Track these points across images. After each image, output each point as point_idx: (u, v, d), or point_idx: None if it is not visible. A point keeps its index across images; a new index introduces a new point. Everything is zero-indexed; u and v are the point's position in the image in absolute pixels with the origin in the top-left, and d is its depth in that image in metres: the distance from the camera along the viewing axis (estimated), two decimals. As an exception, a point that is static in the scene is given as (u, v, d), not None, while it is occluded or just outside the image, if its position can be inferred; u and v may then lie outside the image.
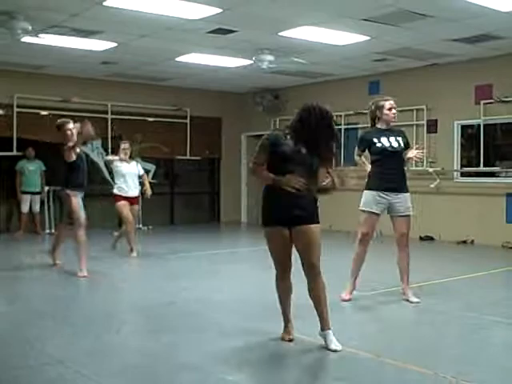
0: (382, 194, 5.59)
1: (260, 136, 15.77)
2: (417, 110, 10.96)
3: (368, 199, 5.65)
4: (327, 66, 10.94)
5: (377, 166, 5.67)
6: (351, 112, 11.98)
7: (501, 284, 7.13)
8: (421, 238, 10.47)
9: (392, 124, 5.78)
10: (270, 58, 9.62)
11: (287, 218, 4.09)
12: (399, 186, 5.62)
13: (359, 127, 11.93)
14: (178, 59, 10.35)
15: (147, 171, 12.65)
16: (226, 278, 7.14)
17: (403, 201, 5.65)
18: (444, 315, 5.24)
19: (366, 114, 11.93)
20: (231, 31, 8.46)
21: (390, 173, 5.59)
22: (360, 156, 5.89)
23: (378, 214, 5.62)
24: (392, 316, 5.31)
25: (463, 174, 10.62)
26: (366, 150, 5.79)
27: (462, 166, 10.64)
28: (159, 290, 6.29)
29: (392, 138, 5.63)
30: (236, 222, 14.02)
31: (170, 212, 13.39)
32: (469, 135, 10.66)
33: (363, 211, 5.66)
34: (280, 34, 8.55)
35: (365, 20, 7.81)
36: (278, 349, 4.15)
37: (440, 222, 10.43)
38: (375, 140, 5.61)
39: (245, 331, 4.60)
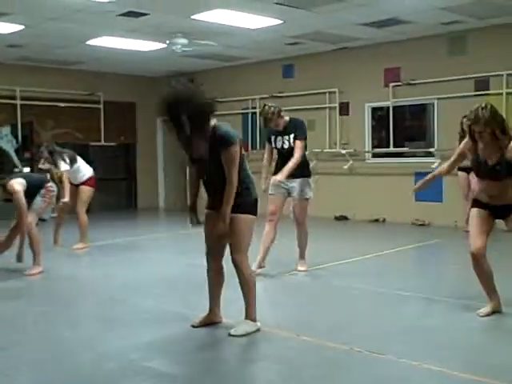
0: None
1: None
2: (329, 92, 11.19)
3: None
4: (241, 50, 10.98)
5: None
6: (266, 95, 12.08)
7: (411, 260, 7.46)
8: (336, 218, 10.76)
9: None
10: (184, 41, 9.55)
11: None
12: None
13: (274, 110, 12.06)
14: (88, 42, 10.08)
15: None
16: (146, 264, 7.09)
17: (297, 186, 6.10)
18: (358, 292, 5.43)
19: (280, 97, 12.22)
20: (143, 14, 8.32)
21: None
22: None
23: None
24: (308, 294, 5.45)
25: (374, 155, 10.96)
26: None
27: (373, 147, 10.97)
28: (76, 278, 6.18)
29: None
30: (153, 207, 13.90)
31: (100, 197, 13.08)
32: (379, 117, 11.00)
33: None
34: (193, 17, 8.49)
35: (277, 4, 7.88)
36: (200, 334, 4.18)
37: (353, 202, 10.75)
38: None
39: (167, 317, 4.61)
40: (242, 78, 12.48)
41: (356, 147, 10.91)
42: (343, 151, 10.85)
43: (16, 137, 11.92)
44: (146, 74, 13.47)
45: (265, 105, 6.22)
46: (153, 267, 6.82)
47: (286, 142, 6.15)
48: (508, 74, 9.13)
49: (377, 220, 10.44)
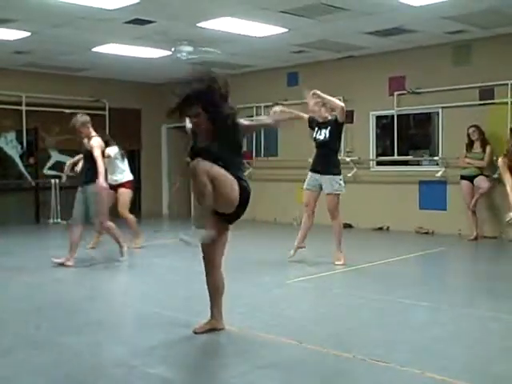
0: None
1: (181, 128, 15.63)
2: (335, 100, 11.19)
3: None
4: (246, 58, 11.01)
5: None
6: (270, 103, 12.09)
7: (415, 268, 7.44)
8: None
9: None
10: (189, 48, 9.59)
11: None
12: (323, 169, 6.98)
13: (279, 118, 12.08)
14: (94, 49, 10.14)
15: (64, 164, 12.38)
16: (147, 270, 7.09)
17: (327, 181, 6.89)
18: (361, 299, 5.42)
19: (285, 104, 12.21)
20: (149, 22, 8.37)
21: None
22: None
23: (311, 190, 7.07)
24: (311, 301, 5.45)
25: (379, 163, 10.97)
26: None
27: (377, 155, 10.98)
28: (79, 284, 6.19)
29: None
30: (157, 213, 13.91)
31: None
32: (384, 125, 11.01)
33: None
34: (199, 24, 8.53)
35: (283, 12, 7.91)
36: (202, 340, 4.18)
37: (358, 210, 10.73)
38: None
39: (170, 323, 4.61)
40: (247, 85, 12.50)
41: (360, 155, 10.92)
42: (348, 159, 10.86)
43: (21, 143, 11.97)
44: (151, 80, 13.52)
45: None
46: (155, 273, 6.82)
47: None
48: (512, 84, 9.14)
49: (381, 228, 10.43)
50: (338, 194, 6.95)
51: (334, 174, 6.93)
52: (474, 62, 9.58)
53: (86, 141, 7.17)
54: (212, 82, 4.05)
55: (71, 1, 7.28)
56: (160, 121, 14.03)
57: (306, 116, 7.30)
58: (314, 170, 7.09)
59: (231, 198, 4.00)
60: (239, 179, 4.07)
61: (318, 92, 6.96)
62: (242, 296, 5.45)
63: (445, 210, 9.94)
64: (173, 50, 9.70)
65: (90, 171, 7.05)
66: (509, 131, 5.35)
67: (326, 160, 6.98)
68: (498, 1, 7.49)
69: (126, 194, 8.37)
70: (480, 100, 9.52)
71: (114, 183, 8.13)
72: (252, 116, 12.46)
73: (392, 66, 10.48)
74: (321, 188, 7.01)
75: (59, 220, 11.53)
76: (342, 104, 7.05)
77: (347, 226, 10.65)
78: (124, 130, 13.35)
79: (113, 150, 8.09)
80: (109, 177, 7.89)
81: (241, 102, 12.55)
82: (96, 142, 7.05)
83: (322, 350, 3.91)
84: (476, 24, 8.61)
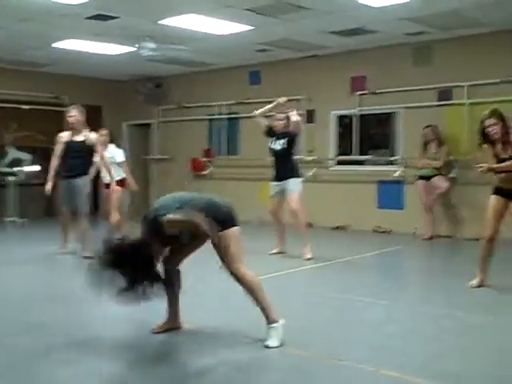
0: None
1: (143, 125, 15.53)
2: (296, 100, 11.24)
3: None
4: (209, 55, 10.98)
5: None
6: (233, 101, 12.10)
7: (373, 266, 7.51)
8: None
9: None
10: (152, 45, 9.51)
11: None
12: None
13: (241, 116, 12.10)
14: (55, 45, 9.98)
15: (22, 161, 12.14)
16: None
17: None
18: (320, 298, 5.46)
19: (247, 103, 12.26)
20: (111, 17, 8.27)
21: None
22: None
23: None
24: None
25: (339, 163, 11.05)
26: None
27: (339, 154, 11.05)
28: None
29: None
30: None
31: (47, 203, 12.85)
32: (344, 125, 11.09)
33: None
34: (162, 21, 8.47)
35: (247, 10, 7.91)
36: (158, 340, 4.16)
37: (317, 209, 10.79)
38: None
39: (128, 322, 4.57)
40: (209, 83, 12.48)
41: (321, 154, 10.99)
42: (308, 158, 10.91)
43: (-22, 139, 11.71)
44: (113, 77, 13.37)
45: None
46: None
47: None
48: (470, 85, 9.31)
49: (340, 227, 10.52)
50: (299, 193, 7.30)
51: (295, 177, 7.38)
52: (433, 63, 9.74)
53: (84, 134, 7.42)
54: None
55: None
56: (121, 118, 13.89)
57: (265, 124, 7.65)
58: (276, 179, 7.51)
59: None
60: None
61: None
62: (202, 295, 5.44)
63: (402, 209, 10.09)
64: (136, 46, 9.61)
65: (84, 165, 7.32)
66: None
67: (287, 168, 7.40)
68: (457, 3, 7.62)
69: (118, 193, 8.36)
70: (438, 101, 9.68)
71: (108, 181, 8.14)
72: (214, 114, 12.45)
73: (354, 65, 10.57)
74: (283, 193, 7.42)
75: (15, 218, 11.29)
76: (299, 118, 7.59)
77: (307, 224, 10.69)
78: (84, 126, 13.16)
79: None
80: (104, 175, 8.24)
81: (203, 100, 12.55)
82: (97, 138, 7.49)
83: (279, 349, 3.92)
84: (435, 26, 8.76)
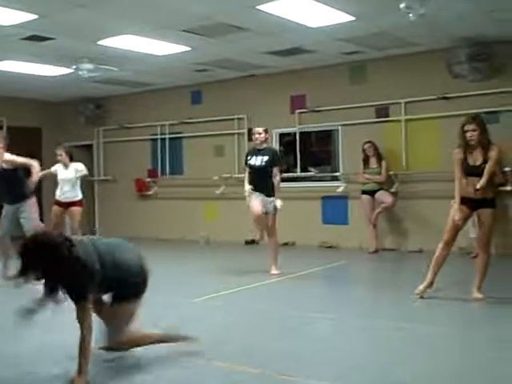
0: None
1: (83, 146, 15.33)
2: (238, 119, 11.35)
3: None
4: (149, 76, 10.96)
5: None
6: (175, 121, 12.10)
7: (319, 281, 7.59)
8: (246, 242, 10.82)
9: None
10: (90, 66, 9.44)
11: None
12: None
13: (183, 136, 12.11)
14: (-10, 66, 9.78)
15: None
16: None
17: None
18: (267, 314, 5.50)
19: (189, 123, 12.28)
20: (48, 38, 8.17)
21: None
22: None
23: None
24: (219, 318, 5.46)
25: (283, 180, 11.11)
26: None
27: (281, 172, 11.12)
28: None
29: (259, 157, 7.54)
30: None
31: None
32: (287, 143, 11.24)
33: None
34: (99, 42, 8.43)
35: (184, 31, 7.96)
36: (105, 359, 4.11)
37: (263, 226, 10.87)
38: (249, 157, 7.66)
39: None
40: (151, 103, 12.46)
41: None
42: (252, 176, 10.95)
43: None
44: (52, 98, 13.18)
45: None
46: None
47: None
48: (406, 102, 9.61)
49: (287, 243, 10.60)
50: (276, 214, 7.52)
51: (272, 196, 7.50)
52: (369, 82, 10.00)
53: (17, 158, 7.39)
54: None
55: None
56: (61, 139, 13.65)
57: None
58: (258, 190, 7.50)
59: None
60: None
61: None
62: (147, 315, 5.40)
63: (347, 224, 10.27)
64: (74, 67, 9.52)
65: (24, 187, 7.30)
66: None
67: (268, 185, 7.50)
68: (389, 24, 7.88)
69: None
70: (376, 118, 9.94)
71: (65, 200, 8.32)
72: (156, 134, 12.41)
73: (293, 84, 10.75)
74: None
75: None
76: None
77: (251, 242, 10.74)
78: (24, 148, 12.84)
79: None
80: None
81: (145, 120, 12.51)
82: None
83: (230, 366, 3.93)
84: (369, 45, 9.02)
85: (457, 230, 5.73)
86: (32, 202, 7.38)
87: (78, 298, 3.54)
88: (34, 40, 8.20)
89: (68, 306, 3.61)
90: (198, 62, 9.93)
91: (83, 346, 3.52)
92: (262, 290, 6.75)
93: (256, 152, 7.66)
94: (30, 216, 7.28)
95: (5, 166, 7.32)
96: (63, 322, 4.14)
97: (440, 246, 5.83)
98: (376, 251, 9.47)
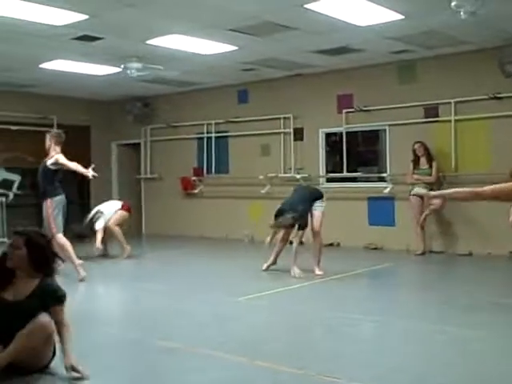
0: None
1: (131, 145, 15.53)
2: (284, 118, 11.32)
3: None
4: (196, 75, 11.03)
5: None
6: (222, 120, 12.15)
7: (364, 283, 7.51)
8: (290, 242, 10.74)
9: None
10: (138, 65, 9.55)
11: None
12: None
13: (229, 135, 12.15)
14: (42, 66, 9.98)
15: (11, 182, 12.11)
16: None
17: None
18: (310, 315, 5.47)
19: (235, 122, 12.34)
20: (98, 38, 8.30)
21: None
22: None
23: None
24: (263, 319, 5.46)
25: (328, 180, 11.08)
26: None
27: (327, 171, 11.10)
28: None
29: None
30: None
31: (36, 223, 12.78)
32: (333, 142, 11.16)
33: None
34: (148, 42, 8.51)
35: (232, 30, 7.97)
36: (148, 358, 4.14)
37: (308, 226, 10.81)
38: None
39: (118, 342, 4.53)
40: (198, 102, 12.53)
41: (310, 172, 11.02)
42: (298, 176, 10.95)
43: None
44: (101, 97, 13.39)
45: None
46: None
47: None
48: (456, 102, 9.41)
49: (331, 244, 10.52)
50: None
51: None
52: (418, 81, 9.83)
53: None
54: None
55: (18, 17, 7.18)
56: (110, 138, 13.91)
57: None
58: None
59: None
60: None
61: None
62: (190, 313, 5.43)
63: (393, 225, 10.12)
64: (122, 66, 9.65)
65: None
66: None
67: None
68: (438, 23, 7.73)
69: None
70: (425, 118, 9.77)
71: None
72: (203, 133, 12.48)
73: (340, 83, 10.66)
74: None
75: (5, 239, 11.22)
76: None
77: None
78: (73, 147, 13.11)
79: None
80: None
81: (191, 119, 12.60)
82: None
83: (273, 366, 3.91)
84: (419, 44, 8.86)
85: None
86: (50, 201, 7.33)
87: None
88: (84, 40, 8.34)
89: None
90: (244, 62, 9.94)
91: (69, 333, 3.75)
92: (306, 290, 6.71)
93: None
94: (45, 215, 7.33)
95: (52, 166, 7.38)
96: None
97: None
98: (423, 253, 9.31)
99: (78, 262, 7.26)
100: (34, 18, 7.26)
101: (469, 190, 4.52)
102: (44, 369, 3.78)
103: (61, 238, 7.27)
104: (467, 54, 9.24)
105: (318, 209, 7.62)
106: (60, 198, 7.38)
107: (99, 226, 9.17)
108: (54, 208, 7.29)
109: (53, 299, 3.77)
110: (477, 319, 5.22)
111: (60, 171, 7.51)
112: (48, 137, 7.67)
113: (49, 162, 7.42)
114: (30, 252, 3.78)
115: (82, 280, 7.11)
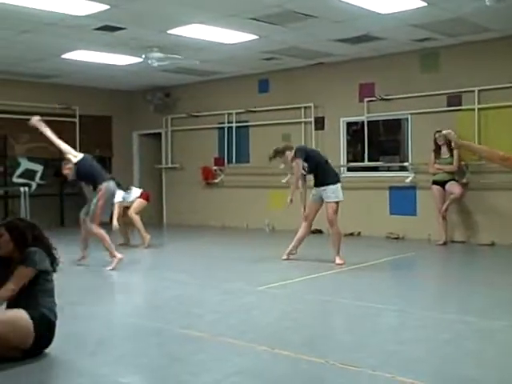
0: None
1: (152, 134, 15.59)
2: (305, 107, 11.27)
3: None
4: (217, 64, 11.02)
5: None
6: (242, 110, 12.14)
7: (385, 273, 7.48)
8: (312, 232, 10.73)
9: None
10: (159, 55, 9.57)
11: None
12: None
13: (250, 125, 12.14)
14: (64, 56, 10.05)
15: (34, 172, 12.24)
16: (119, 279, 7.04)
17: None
18: (333, 305, 5.47)
19: (256, 111, 12.30)
20: (119, 28, 8.33)
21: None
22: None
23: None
24: (283, 308, 5.47)
25: (349, 169, 11.04)
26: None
27: (348, 161, 11.04)
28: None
29: None
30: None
31: (59, 213, 12.96)
32: (354, 132, 11.09)
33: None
34: (169, 31, 8.52)
35: (252, 19, 7.94)
36: (171, 348, 4.17)
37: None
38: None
39: (140, 332, 4.58)
40: (218, 92, 12.53)
41: (331, 161, 10.92)
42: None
43: (-10, 150, 11.80)
44: (122, 87, 13.46)
45: None
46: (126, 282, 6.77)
47: None
48: (479, 90, 9.29)
49: (352, 234, 10.49)
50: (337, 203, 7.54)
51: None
52: (441, 69, 9.73)
53: None
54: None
55: (40, 7, 7.23)
56: (131, 127, 13.97)
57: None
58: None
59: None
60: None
61: None
62: (211, 302, 5.46)
63: (415, 215, 10.05)
64: (143, 56, 9.68)
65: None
66: None
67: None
68: (462, 10, 7.62)
69: None
70: (448, 106, 9.66)
71: None
72: (223, 123, 12.48)
73: (362, 72, 10.58)
74: (321, 199, 7.56)
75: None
76: None
77: (318, 231, 10.66)
78: (95, 137, 13.25)
79: None
80: None
81: (212, 109, 12.60)
82: None
83: (294, 355, 3.92)
84: (442, 32, 8.75)
85: None
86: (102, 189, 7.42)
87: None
88: (106, 30, 8.38)
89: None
90: (265, 51, 9.91)
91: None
92: (326, 280, 6.70)
93: None
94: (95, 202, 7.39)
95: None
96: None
97: None
98: (445, 243, 9.23)
99: (118, 255, 7.32)
100: (56, 8, 7.30)
101: (497, 152, 4.49)
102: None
103: (95, 229, 7.30)
104: (491, 42, 9.10)
105: (330, 198, 7.50)
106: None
107: (117, 199, 8.59)
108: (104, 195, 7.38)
109: (21, 260, 3.97)
110: (498, 310, 5.17)
111: None
112: None
113: None
114: (11, 235, 4.05)
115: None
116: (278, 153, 7.79)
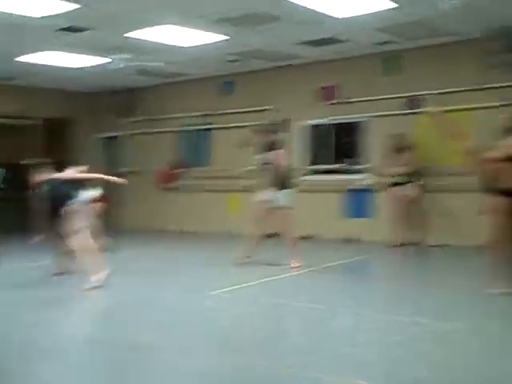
0: None
1: (113, 137, 15.30)
2: (267, 110, 11.24)
3: None
4: (182, 66, 10.95)
5: None
6: (205, 112, 12.05)
7: (340, 275, 7.36)
8: (268, 236, 10.61)
9: None
10: (124, 56, 9.48)
11: None
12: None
13: (214, 127, 12.05)
14: (21, 58, 9.87)
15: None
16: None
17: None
18: (287, 308, 5.46)
19: (220, 114, 12.18)
20: (82, 29, 8.22)
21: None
22: None
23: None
24: (236, 312, 5.39)
25: (311, 172, 10.98)
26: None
27: (311, 164, 10.99)
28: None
29: None
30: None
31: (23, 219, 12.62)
32: (317, 134, 11.06)
33: None
34: (133, 33, 8.46)
35: (218, 21, 7.93)
36: (120, 356, 4.09)
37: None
38: None
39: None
40: (182, 94, 12.44)
41: (295, 164, 10.92)
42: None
43: None
44: (84, 89, 13.26)
45: None
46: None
47: None
48: (439, 93, 9.37)
49: (307, 237, 10.30)
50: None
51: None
52: (403, 72, 9.80)
53: None
54: None
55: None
56: (93, 130, 13.77)
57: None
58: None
59: None
60: None
61: None
62: (162, 308, 5.41)
63: (371, 217, 10.08)
64: (111, 58, 9.55)
65: None
66: None
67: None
68: (423, 14, 7.69)
69: None
70: (408, 109, 9.72)
71: None
72: (186, 125, 12.36)
73: (324, 75, 10.61)
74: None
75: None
76: None
77: (273, 235, 10.51)
78: (56, 139, 13.03)
79: None
80: None
81: (175, 111, 12.48)
82: None
83: (246, 359, 3.88)
84: (403, 35, 8.84)
85: None
86: None
87: None
88: (68, 31, 8.24)
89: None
90: (230, 53, 9.88)
91: None
92: (281, 283, 6.66)
93: None
94: None
95: None
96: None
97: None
98: (401, 245, 9.25)
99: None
100: (16, 9, 7.20)
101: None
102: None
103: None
104: (452, 45, 9.25)
105: (280, 203, 7.44)
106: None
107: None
108: None
109: None
110: (451, 311, 5.21)
111: None
112: None
113: None
114: None
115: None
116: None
